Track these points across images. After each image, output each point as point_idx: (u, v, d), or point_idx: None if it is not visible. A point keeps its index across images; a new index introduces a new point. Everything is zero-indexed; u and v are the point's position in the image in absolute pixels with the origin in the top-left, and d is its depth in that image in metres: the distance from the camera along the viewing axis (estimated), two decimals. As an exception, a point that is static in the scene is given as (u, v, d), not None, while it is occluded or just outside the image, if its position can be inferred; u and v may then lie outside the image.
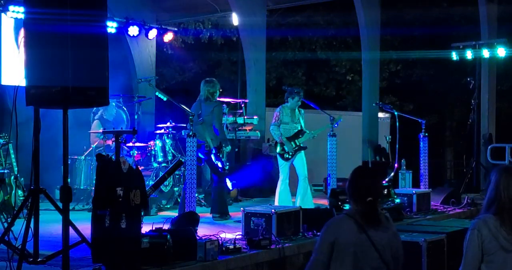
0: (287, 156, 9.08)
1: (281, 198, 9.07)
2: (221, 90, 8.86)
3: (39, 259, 5.50)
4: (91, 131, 10.42)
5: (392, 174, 10.55)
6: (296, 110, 9.30)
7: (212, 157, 8.57)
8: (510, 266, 3.86)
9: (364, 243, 3.96)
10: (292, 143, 9.12)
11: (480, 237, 3.86)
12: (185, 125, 10.54)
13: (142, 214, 5.51)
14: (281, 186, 9.17)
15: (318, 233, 6.65)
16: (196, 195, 8.27)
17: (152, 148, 10.07)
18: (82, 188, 10.07)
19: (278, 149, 9.14)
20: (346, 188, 4.18)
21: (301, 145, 9.17)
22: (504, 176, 3.91)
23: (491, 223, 3.86)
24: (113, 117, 10.76)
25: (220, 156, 8.69)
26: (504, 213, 3.87)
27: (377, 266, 3.98)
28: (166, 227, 6.14)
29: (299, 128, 9.23)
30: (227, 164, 8.79)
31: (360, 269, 3.97)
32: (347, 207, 7.45)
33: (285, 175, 9.18)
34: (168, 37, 13.50)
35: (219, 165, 8.65)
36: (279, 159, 9.19)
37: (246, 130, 12.10)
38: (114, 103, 10.70)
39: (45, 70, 5.17)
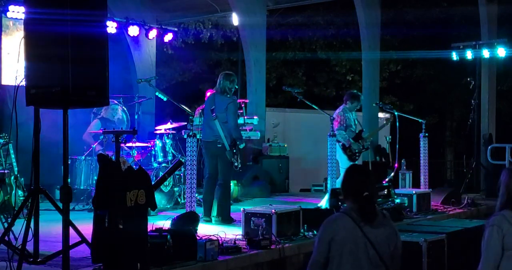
0: (355, 157, 9.43)
1: None
2: (237, 86, 8.71)
3: (39, 259, 5.50)
4: (89, 131, 10.40)
5: (392, 174, 10.53)
6: (353, 112, 9.70)
7: (227, 154, 8.37)
8: None
9: (360, 240, 3.97)
10: (359, 143, 9.49)
11: (501, 232, 3.86)
12: (185, 125, 10.55)
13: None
14: None
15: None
16: (196, 195, 8.24)
17: (152, 148, 10.07)
18: (82, 188, 10.06)
19: (347, 151, 9.40)
20: (341, 186, 4.21)
21: (365, 146, 9.60)
22: None
23: (511, 218, 3.88)
24: (115, 116, 10.74)
25: (235, 151, 8.45)
26: None
27: (375, 264, 3.98)
28: (166, 227, 6.14)
29: (356, 130, 9.61)
30: (240, 161, 8.59)
31: (358, 267, 3.97)
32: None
33: None
34: (168, 37, 13.50)
35: (235, 163, 8.46)
36: (346, 161, 9.34)
37: (246, 130, 12.08)
38: (117, 105, 10.70)
39: (45, 70, 5.17)
